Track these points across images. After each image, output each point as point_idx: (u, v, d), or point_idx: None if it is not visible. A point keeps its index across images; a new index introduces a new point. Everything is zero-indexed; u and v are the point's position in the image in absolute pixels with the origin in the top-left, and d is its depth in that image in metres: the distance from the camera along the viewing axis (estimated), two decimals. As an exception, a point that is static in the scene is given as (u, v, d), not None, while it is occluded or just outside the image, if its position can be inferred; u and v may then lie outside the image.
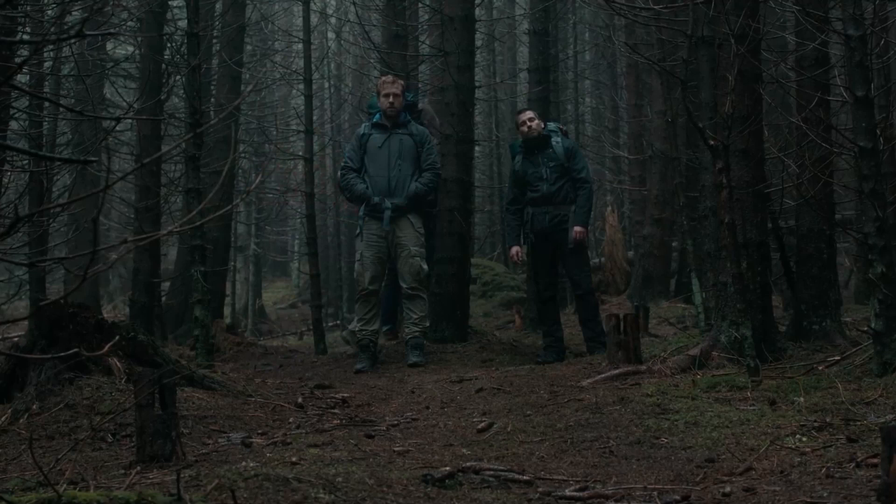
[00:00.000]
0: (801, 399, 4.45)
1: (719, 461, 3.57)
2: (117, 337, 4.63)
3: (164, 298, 12.32)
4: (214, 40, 12.43)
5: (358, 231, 7.40)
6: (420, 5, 11.34)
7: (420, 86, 11.13)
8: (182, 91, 10.86)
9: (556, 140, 7.58)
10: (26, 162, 7.15)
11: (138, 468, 3.44)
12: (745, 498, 3.05)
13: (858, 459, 3.33)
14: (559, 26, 16.55)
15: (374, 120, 7.47)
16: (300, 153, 12.80)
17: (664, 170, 12.65)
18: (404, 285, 7.35)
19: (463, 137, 8.44)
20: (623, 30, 14.52)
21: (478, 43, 12.15)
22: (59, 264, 7.89)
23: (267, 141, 16.56)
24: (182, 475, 2.78)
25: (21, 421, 4.33)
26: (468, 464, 3.50)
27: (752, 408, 4.39)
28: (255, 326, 19.92)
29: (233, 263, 18.48)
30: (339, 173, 7.47)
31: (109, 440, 4.12)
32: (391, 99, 7.34)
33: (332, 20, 20.98)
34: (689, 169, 8.75)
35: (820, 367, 5.32)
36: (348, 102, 20.73)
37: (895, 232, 5.12)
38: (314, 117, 12.85)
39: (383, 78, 7.67)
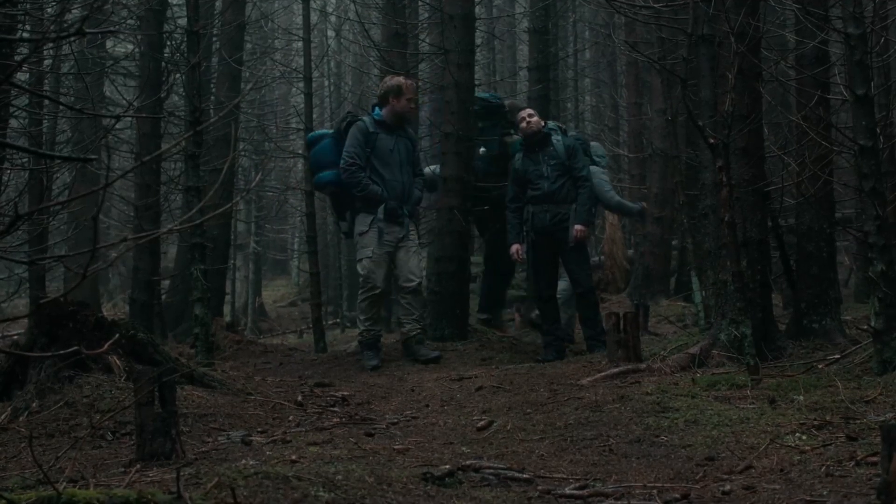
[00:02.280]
0: (801, 397, 4.46)
1: (719, 459, 3.57)
2: (117, 335, 4.63)
3: (163, 296, 12.32)
4: (214, 38, 12.41)
5: (366, 230, 7.27)
6: (420, 3, 11.35)
7: (420, 84, 11.13)
8: (182, 89, 10.86)
9: (557, 138, 7.59)
10: (26, 160, 7.16)
11: (138, 466, 3.44)
12: (745, 496, 3.06)
13: (858, 458, 3.33)
14: (559, 24, 16.54)
15: (377, 118, 7.42)
16: (300, 151, 12.81)
17: (664, 168, 12.65)
18: (414, 279, 7.38)
19: (463, 136, 8.44)
20: (623, 28, 14.53)
21: (478, 41, 12.13)
22: (59, 262, 7.89)
23: (267, 139, 16.56)
24: (182, 473, 2.78)
25: (21, 419, 4.33)
26: (468, 462, 3.50)
27: (751, 406, 4.39)
28: (255, 324, 19.92)
29: (232, 261, 18.48)
30: (343, 166, 7.25)
31: (109, 438, 4.12)
32: (413, 104, 7.54)
33: (332, 18, 20.98)
34: (689, 167, 8.74)
35: (820, 366, 5.32)
36: (348, 101, 20.73)
37: (895, 230, 5.12)
38: (314, 115, 12.84)
39: (408, 82, 7.59)
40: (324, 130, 7.93)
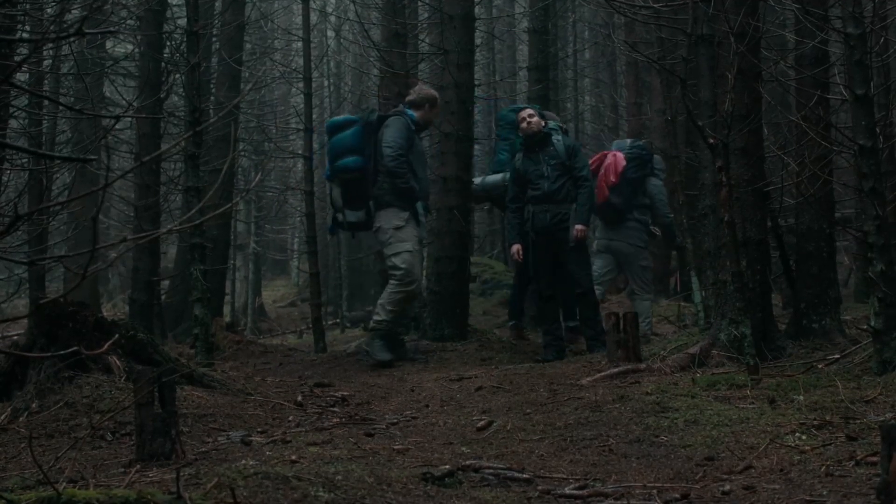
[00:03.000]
0: (801, 397, 4.46)
1: (719, 459, 3.57)
2: (117, 335, 4.63)
3: (163, 297, 12.32)
4: (214, 38, 12.42)
5: (403, 224, 7.27)
6: (420, 3, 11.34)
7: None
8: (181, 89, 10.85)
9: (557, 138, 7.59)
10: (26, 160, 7.16)
11: (138, 466, 3.44)
12: (745, 496, 3.06)
13: (858, 458, 3.33)
14: (559, 24, 16.54)
15: (413, 118, 7.47)
16: (300, 151, 12.80)
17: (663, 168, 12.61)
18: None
19: (462, 136, 8.44)
20: (622, 28, 14.53)
21: (477, 41, 12.14)
22: (59, 263, 7.89)
23: (266, 139, 16.54)
24: (182, 473, 2.78)
25: (21, 419, 4.33)
26: (468, 462, 3.50)
27: (751, 406, 4.39)
28: (255, 325, 19.90)
29: (232, 262, 18.46)
30: (392, 154, 7.20)
31: (109, 438, 4.12)
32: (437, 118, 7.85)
33: (332, 18, 20.97)
34: (688, 167, 8.75)
35: (819, 366, 5.32)
36: (348, 101, 20.73)
37: (895, 230, 5.12)
38: (314, 116, 12.85)
39: (435, 93, 7.79)
40: (350, 117, 7.68)
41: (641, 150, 8.81)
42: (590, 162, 8.90)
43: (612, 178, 8.55)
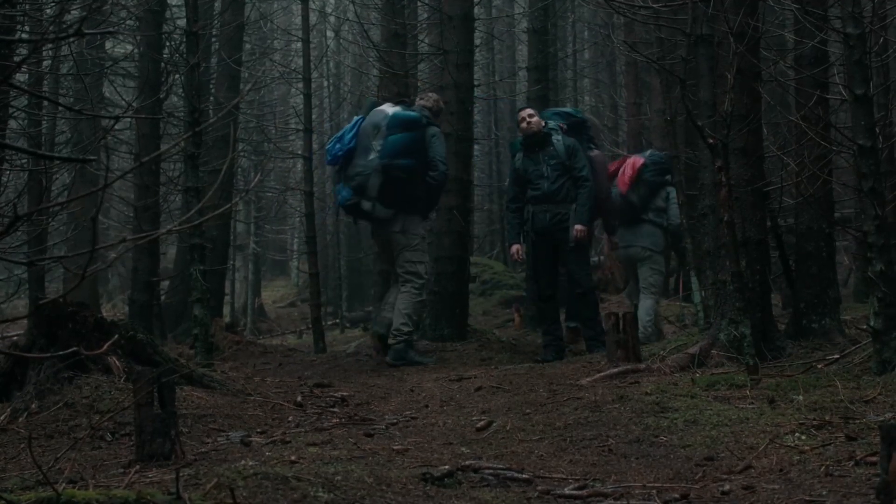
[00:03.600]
0: (801, 397, 4.46)
1: (718, 459, 3.57)
2: (116, 336, 4.63)
3: (163, 297, 12.32)
4: (213, 39, 12.42)
5: (425, 235, 7.53)
6: (419, 4, 11.35)
7: (420, 84, 11.15)
8: (181, 90, 10.85)
9: (557, 138, 7.59)
10: (25, 161, 7.16)
11: (137, 467, 3.44)
12: (744, 496, 3.06)
13: (857, 458, 3.33)
14: (558, 25, 16.55)
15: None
16: (299, 152, 12.81)
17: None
18: None
19: (462, 136, 8.45)
20: (622, 28, 14.54)
21: (477, 41, 12.15)
22: (58, 263, 7.89)
23: (266, 139, 16.54)
24: (181, 474, 2.78)
25: (20, 420, 4.33)
26: (467, 462, 3.50)
27: (751, 406, 4.39)
28: (255, 325, 19.90)
29: (232, 262, 18.46)
30: (445, 170, 7.40)
31: (108, 439, 4.12)
32: None
33: (331, 19, 20.98)
34: (688, 167, 8.74)
35: (819, 366, 5.32)
36: (347, 101, 20.73)
37: (894, 230, 5.12)
38: (313, 116, 12.86)
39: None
40: (417, 117, 7.35)
41: (661, 158, 8.88)
42: (611, 166, 8.97)
43: (630, 171, 8.59)
